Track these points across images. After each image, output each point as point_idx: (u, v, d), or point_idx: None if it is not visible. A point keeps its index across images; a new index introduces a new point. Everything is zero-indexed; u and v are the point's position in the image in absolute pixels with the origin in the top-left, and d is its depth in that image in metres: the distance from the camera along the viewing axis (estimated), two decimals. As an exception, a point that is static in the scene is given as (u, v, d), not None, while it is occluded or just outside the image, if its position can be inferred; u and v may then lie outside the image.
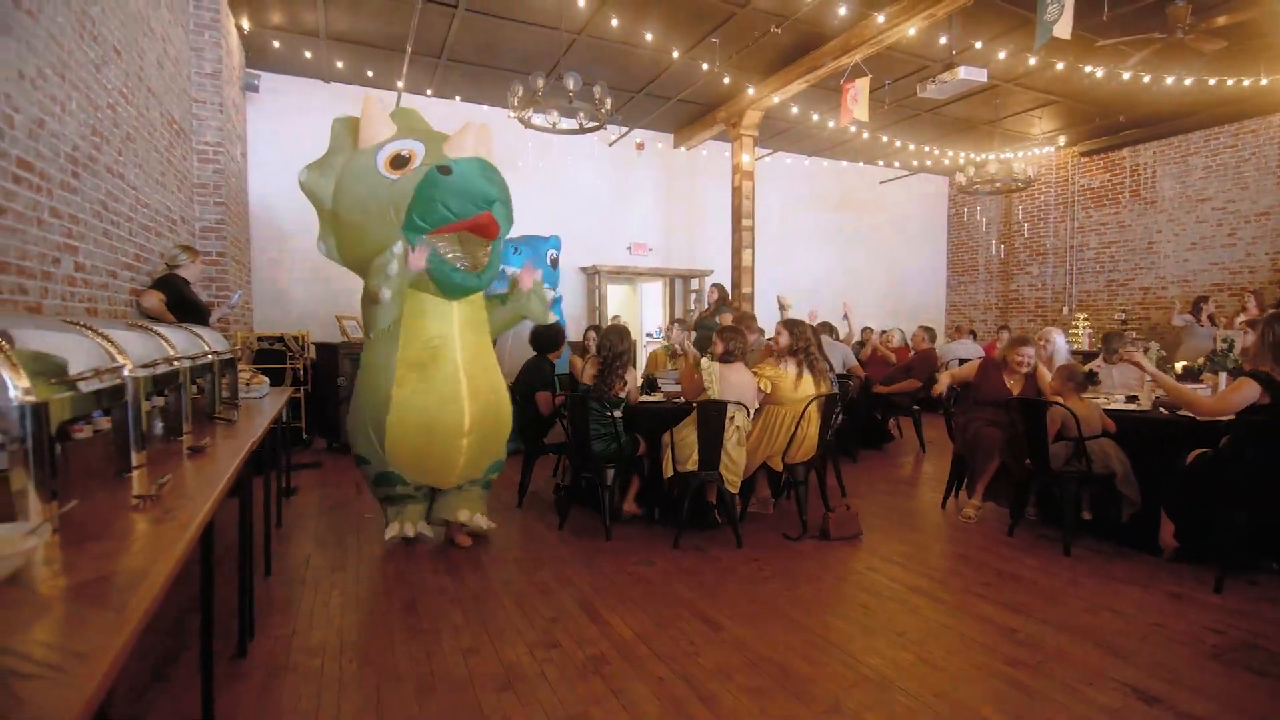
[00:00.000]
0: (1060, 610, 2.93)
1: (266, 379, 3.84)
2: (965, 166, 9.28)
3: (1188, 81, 7.07)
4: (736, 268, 8.72)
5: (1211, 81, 7.10)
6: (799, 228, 11.18)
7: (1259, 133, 8.89)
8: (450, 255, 3.48)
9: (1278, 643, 2.61)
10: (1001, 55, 6.72)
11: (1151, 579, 3.26)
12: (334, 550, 3.74)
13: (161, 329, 2.28)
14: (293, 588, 3.20)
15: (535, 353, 4.84)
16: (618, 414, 4.01)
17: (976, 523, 4.22)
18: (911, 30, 6.06)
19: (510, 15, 6.37)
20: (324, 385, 6.65)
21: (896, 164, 11.61)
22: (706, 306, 8.00)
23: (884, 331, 8.22)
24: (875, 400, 6.81)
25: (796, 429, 3.97)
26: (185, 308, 4.07)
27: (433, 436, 3.42)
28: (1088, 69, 6.95)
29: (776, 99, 7.87)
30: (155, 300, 3.94)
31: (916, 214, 12.54)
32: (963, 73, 6.50)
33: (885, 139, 9.38)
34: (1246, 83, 7.03)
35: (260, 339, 6.49)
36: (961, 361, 6.61)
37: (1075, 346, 8.54)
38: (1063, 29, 4.72)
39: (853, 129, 8.36)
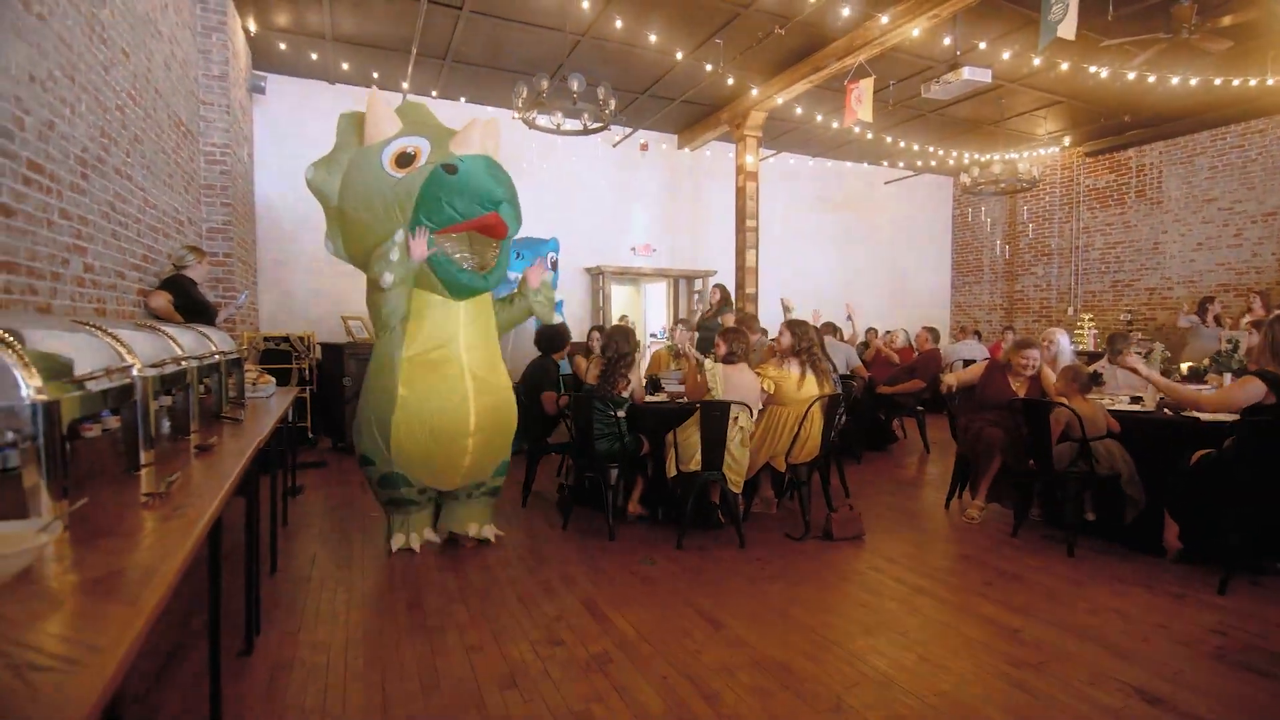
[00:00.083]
0: (1063, 611, 2.93)
1: (272, 379, 3.85)
2: (970, 167, 9.25)
3: (1193, 81, 7.03)
4: (740, 268, 8.71)
5: (1217, 81, 7.08)
6: (803, 228, 11.16)
7: (1266, 133, 8.84)
8: (458, 255, 3.49)
9: (1281, 644, 2.61)
10: (1006, 55, 6.71)
11: (1155, 580, 3.26)
12: (339, 548, 3.77)
13: (169, 329, 2.31)
14: (298, 585, 3.22)
15: (540, 353, 4.86)
16: (621, 414, 4.02)
17: (980, 524, 4.22)
18: (915, 31, 6.06)
19: (515, 17, 6.39)
20: (329, 385, 6.68)
21: (901, 165, 11.58)
22: (709, 307, 7.99)
23: (888, 332, 8.22)
24: (879, 401, 6.80)
25: (799, 429, 3.98)
26: (192, 308, 4.09)
27: (438, 436, 3.42)
28: (1093, 69, 6.92)
29: (780, 100, 7.86)
30: (163, 300, 3.96)
31: (921, 215, 12.50)
32: (967, 73, 6.48)
33: (889, 140, 9.36)
34: (1253, 82, 6.99)
35: (266, 339, 6.51)
36: (966, 362, 6.59)
37: (1080, 347, 8.51)
38: (1067, 29, 4.71)
39: (857, 130, 8.36)
